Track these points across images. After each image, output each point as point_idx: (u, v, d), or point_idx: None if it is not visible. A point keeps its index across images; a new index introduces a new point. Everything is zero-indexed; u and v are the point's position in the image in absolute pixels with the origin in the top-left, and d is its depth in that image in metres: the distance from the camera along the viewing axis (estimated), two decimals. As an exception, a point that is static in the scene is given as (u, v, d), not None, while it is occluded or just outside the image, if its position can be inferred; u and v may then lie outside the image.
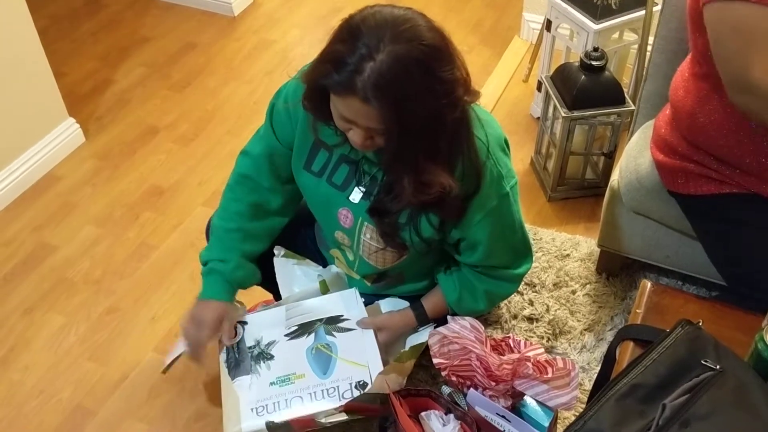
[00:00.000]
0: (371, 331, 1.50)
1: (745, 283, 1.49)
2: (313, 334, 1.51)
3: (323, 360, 1.47)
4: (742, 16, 1.23)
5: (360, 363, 1.46)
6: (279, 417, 1.41)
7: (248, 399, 1.44)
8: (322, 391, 1.43)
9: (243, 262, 1.51)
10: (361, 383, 1.43)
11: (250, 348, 1.51)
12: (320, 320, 1.52)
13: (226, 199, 1.56)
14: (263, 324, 1.54)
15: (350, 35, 1.13)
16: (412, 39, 1.12)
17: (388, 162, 1.28)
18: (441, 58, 1.15)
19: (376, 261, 1.48)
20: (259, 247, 1.55)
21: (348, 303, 1.53)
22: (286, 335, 1.52)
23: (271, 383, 1.46)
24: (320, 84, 1.18)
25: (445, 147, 1.23)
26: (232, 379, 1.48)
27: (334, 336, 1.50)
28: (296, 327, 1.52)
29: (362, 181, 1.40)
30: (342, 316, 1.52)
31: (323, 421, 1.40)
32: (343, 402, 1.40)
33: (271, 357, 1.49)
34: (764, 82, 1.22)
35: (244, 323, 1.54)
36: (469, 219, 1.35)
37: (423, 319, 1.50)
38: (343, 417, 1.41)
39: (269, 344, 1.51)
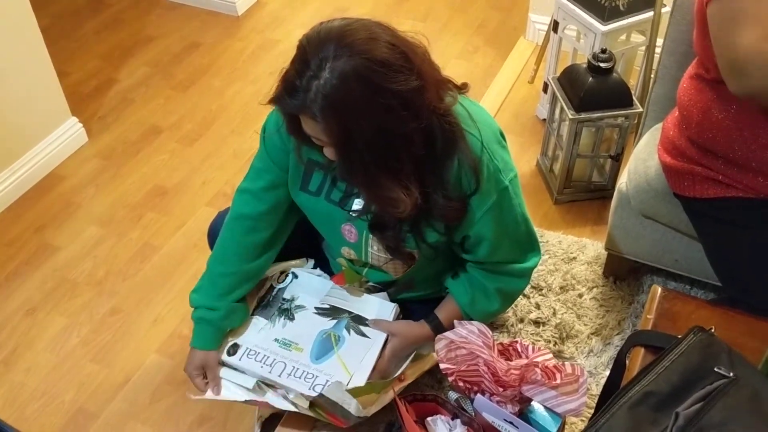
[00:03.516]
0: (378, 348, 1.48)
1: (739, 287, 1.50)
2: (335, 321, 1.53)
3: (325, 348, 1.50)
4: (729, 3, 1.26)
5: (348, 370, 1.46)
6: (261, 371, 1.47)
7: (251, 339, 1.53)
8: (304, 372, 1.46)
9: (233, 307, 1.52)
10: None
11: (283, 300, 1.58)
12: (350, 313, 1.54)
13: (223, 239, 1.54)
14: (306, 286, 1.59)
15: (298, 56, 1.15)
16: (354, 54, 1.11)
17: (341, 177, 1.30)
18: (389, 71, 1.12)
19: (388, 270, 1.48)
20: (253, 283, 1.56)
21: (381, 313, 1.53)
22: (316, 308, 1.56)
23: (275, 339, 1.53)
24: (280, 107, 1.20)
25: (407, 159, 1.21)
26: (251, 315, 1.57)
27: (349, 333, 1.51)
28: (328, 306, 1.56)
29: (360, 195, 1.38)
30: (367, 320, 1.52)
31: (290, 397, 1.44)
32: (309, 393, 1.42)
33: (293, 319, 1.55)
34: (750, 56, 1.22)
35: (296, 276, 1.60)
36: (471, 217, 1.34)
37: (439, 330, 1.48)
38: (306, 405, 1.42)
39: (298, 307, 1.56)
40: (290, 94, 1.14)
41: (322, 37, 1.13)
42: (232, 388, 1.49)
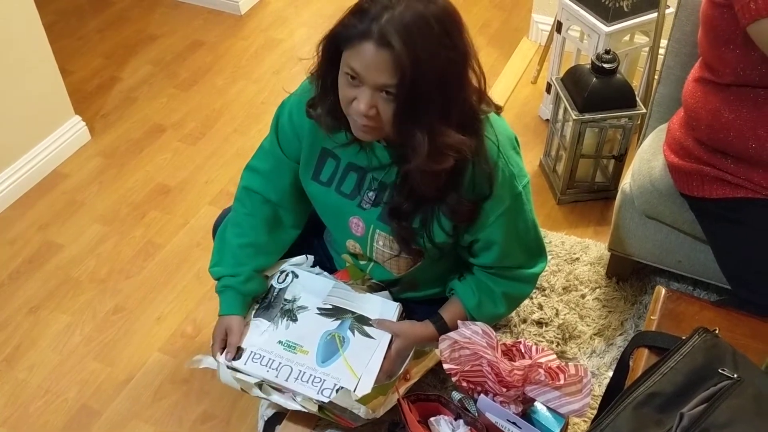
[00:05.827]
0: (384, 349, 1.47)
1: (748, 288, 1.50)
2: (339, 321, 1.52)
3: (330, 350, 1.48)
4: None
5: (355, 372, 1.45)
6: (267, 375, 1.45)
7: (254, 341, 1.50)
8: (311, 376, 1.45)
9: (253, 274, 1.53)
10: (339, 390, 1.42)
11: (285, 301, 1.56)
12: (353, 314, 1.53)
13: (238, 213, 1.55)
14: (308, 287, 1.57)
15: None
16: (429, 2, 1.14)
17: (400, 118, 1.18)
18: (456, 25, 1.17)
19: (391, 267, 1.47)
20: (270, 261, 1.57)
21: (384, 313, 1.52)
22: (318, 309, 1.54)
23: (279, 342, 1.50)
24: (338, 39, 1.18)
25: (456, 115, 1.21)
26: (254, 317, 1.54)
27: (353, 334, 1.50)
28: (331, 307, 1.54)
29: (372, 186, 1.39)
30: (371, 320, 1.51)
31: (297, 400, 1.43)
32: (318, 397, 1.41)
33: (296, 320, 1.53)
34: None
35: (296, 275, 1.59)
36: (483, 221, 1.34)
37: (444, 331, 1.47)
38: (315, 409, 1.42)
39: (300, 308, 1.55)
40: (361, 19, 1.14)
41: None
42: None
